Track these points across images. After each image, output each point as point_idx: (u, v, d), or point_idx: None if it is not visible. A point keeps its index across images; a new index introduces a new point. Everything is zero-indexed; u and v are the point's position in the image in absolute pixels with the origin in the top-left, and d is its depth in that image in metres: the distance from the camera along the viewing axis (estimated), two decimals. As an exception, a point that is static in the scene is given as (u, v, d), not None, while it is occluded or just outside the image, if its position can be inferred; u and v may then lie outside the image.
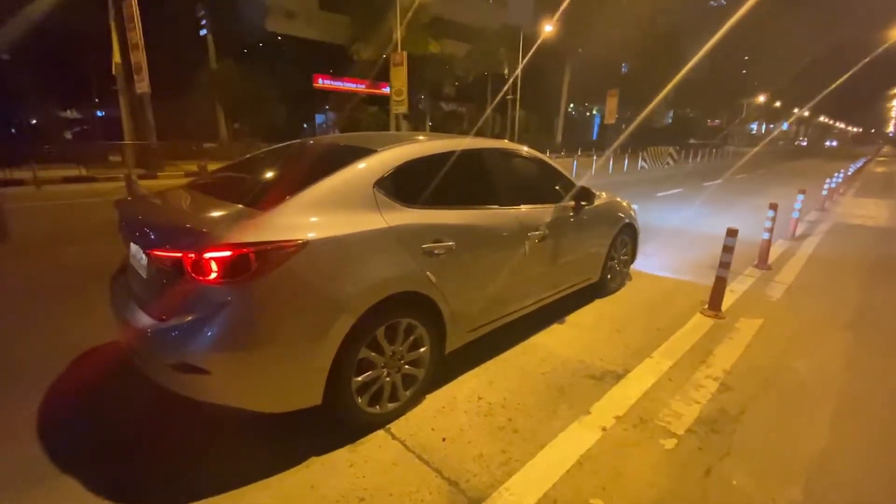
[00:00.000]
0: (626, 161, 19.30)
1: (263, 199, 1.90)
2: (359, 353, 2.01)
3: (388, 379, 2.19)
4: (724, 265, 3.68)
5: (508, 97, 26.21)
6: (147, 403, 2.28)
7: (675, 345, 3.16)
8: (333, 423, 2.12)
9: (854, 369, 2.91)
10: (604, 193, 3.92)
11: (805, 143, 51.01)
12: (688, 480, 1.93)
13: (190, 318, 1.71)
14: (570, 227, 3.30)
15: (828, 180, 9.10)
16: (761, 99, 52.49)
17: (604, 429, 2.24)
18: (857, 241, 6.66)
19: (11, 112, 19.34)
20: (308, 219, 1.85)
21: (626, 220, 4.00)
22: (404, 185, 2.25)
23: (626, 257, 4.23)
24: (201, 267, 1.66)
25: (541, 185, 3.29)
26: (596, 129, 40.24)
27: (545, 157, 3.34)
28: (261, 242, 1.69)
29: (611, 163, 17.96)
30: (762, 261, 5.09)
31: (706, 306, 3.77)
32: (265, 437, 2.11)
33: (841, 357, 3.08)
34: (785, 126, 55.60)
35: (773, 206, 4.93)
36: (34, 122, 21.43)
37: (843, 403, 2.53)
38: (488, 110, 26.56)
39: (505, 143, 2.96)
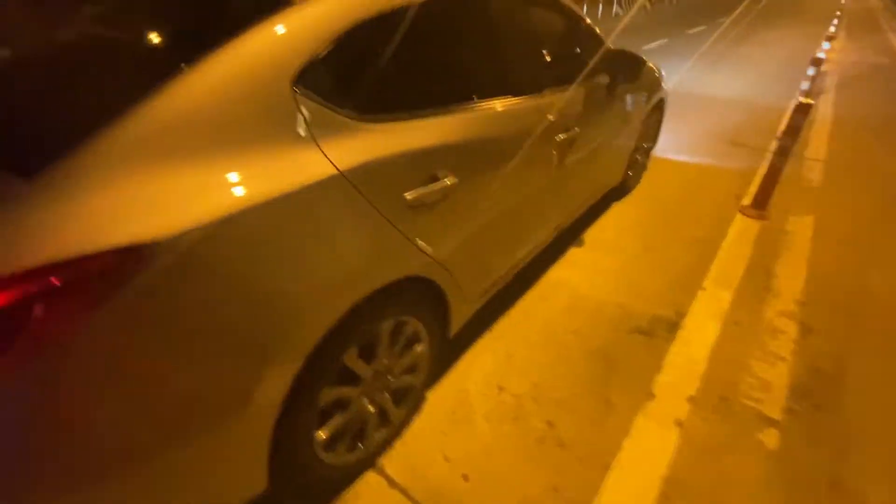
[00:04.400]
0: (600, 8, 16.86)
1: (34, 144, 0.81)
2: (318, 401, 1.17)
3: (371, 409, 1.40)
4: (782, 151, 2.86)
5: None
6: None
7: (727, 265, 2.50)
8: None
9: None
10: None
11: None
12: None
13: None
14: (601, 116, 2.30)
15: (835, 21, 7.97)
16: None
17: (679, 424, 1.62)
18: (876, 94, 5.93)
19: None
20: (141, 185, 0.79)
21: (661, 95, 2.98)
22: (353, 74, 1.16)
23: (648, 144, 3.32)
24: None
25: (566, 52, 2.16)
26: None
27: None
28: (33, 270, 0.69)
29: (584, 11, 15.57)
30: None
31: (744, 202, 3.07)
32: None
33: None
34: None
35: (817, 63, 3.98)
36: None
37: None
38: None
39: None
